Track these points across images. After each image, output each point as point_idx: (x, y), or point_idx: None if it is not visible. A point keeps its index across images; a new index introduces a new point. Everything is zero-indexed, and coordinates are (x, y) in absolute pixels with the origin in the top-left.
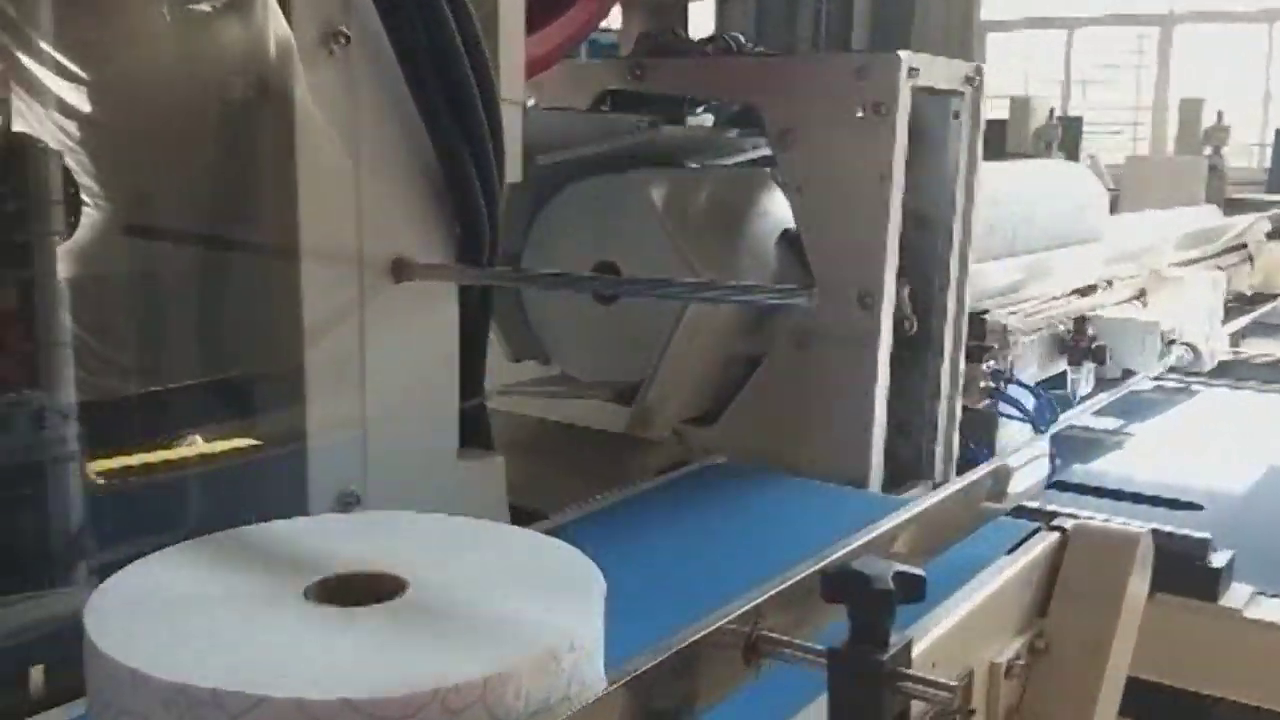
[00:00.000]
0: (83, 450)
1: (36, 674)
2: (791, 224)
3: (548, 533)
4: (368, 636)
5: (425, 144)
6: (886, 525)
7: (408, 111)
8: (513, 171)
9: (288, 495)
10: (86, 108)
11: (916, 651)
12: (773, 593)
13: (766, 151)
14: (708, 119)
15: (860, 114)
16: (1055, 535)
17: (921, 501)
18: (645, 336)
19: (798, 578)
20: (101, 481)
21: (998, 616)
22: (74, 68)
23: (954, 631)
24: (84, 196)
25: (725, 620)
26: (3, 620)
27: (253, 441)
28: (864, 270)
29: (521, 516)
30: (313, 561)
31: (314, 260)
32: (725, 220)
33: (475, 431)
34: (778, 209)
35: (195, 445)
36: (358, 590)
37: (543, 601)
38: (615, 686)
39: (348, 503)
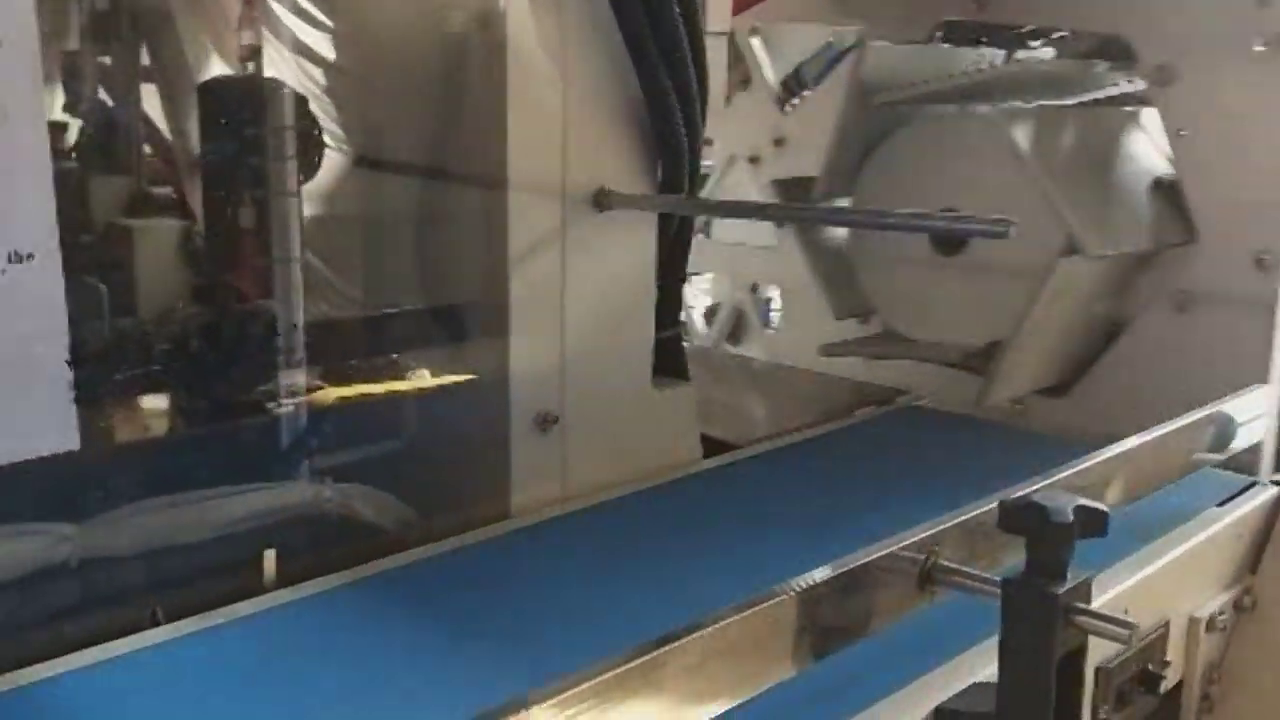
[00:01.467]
0: (308, 360)
1: (269, 557)
2: (1166, 171)
3: (738, 462)
4: None
5: (630, 77)
6: (1084, 465)
7: (615, 45)
8: (716, 102)
9: (491, 415)
10: (327, 53)
11: (1107, 596)
12: (952, 524)
13: (1126, 88)
14: (1047, 53)
15: (1259, 47)
16: (1274, 491)
17: (1126, 443)
18: (994, 295)
19: (979, 511)
20: (322, 392)
21: (1201, 569)
22: (316, 15)
23: (1151, 579)
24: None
25: (901, 546)
26: (237, 507)
27: (458, 363)
28: (1261, 227)
29: (713, 446)
30: None
31: (520, 191)
32: (1094, 164)
33: (670, 361)
34: (1149, 154)
35: (405, 365)
36: None
37: None
38: (785, 596)
39: (545, 423)
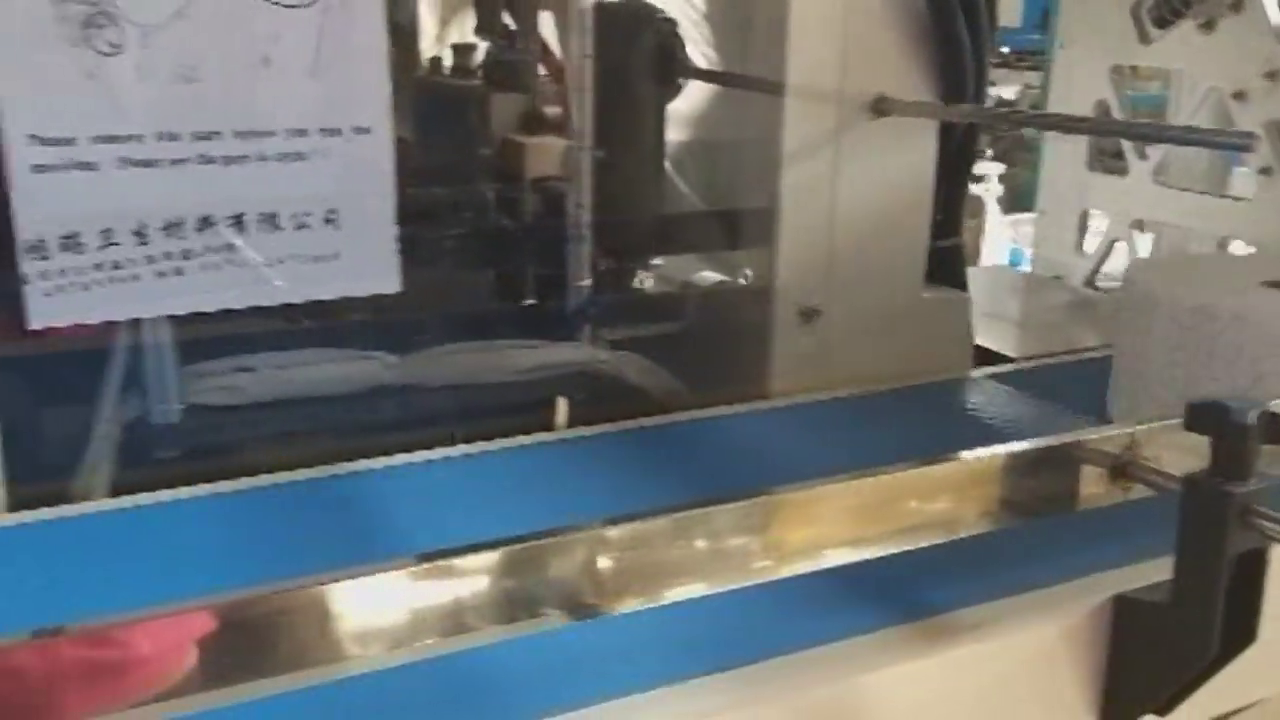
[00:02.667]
0: (593, 238)
1: (560, 406)
2: None
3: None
4: None
5: None
6: None
7: None
8: (1007, 14)
9: (756, 304)
10: None
11: None
12: (1151, 425)
13: None
14: None
15: None
16: None
17: None
18: None
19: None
20: (604, 269)
21: None
22: None
23: None
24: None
25: (1098, 436)
26: (528, 357)
27: (730, 256)
28: None
29: (986, 357)
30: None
31: (797, 95)
32: None
33: (948, 270)
34: None
35: (682, 255)
36: None
37: None
38: (989, 458)
39: (808, 316)
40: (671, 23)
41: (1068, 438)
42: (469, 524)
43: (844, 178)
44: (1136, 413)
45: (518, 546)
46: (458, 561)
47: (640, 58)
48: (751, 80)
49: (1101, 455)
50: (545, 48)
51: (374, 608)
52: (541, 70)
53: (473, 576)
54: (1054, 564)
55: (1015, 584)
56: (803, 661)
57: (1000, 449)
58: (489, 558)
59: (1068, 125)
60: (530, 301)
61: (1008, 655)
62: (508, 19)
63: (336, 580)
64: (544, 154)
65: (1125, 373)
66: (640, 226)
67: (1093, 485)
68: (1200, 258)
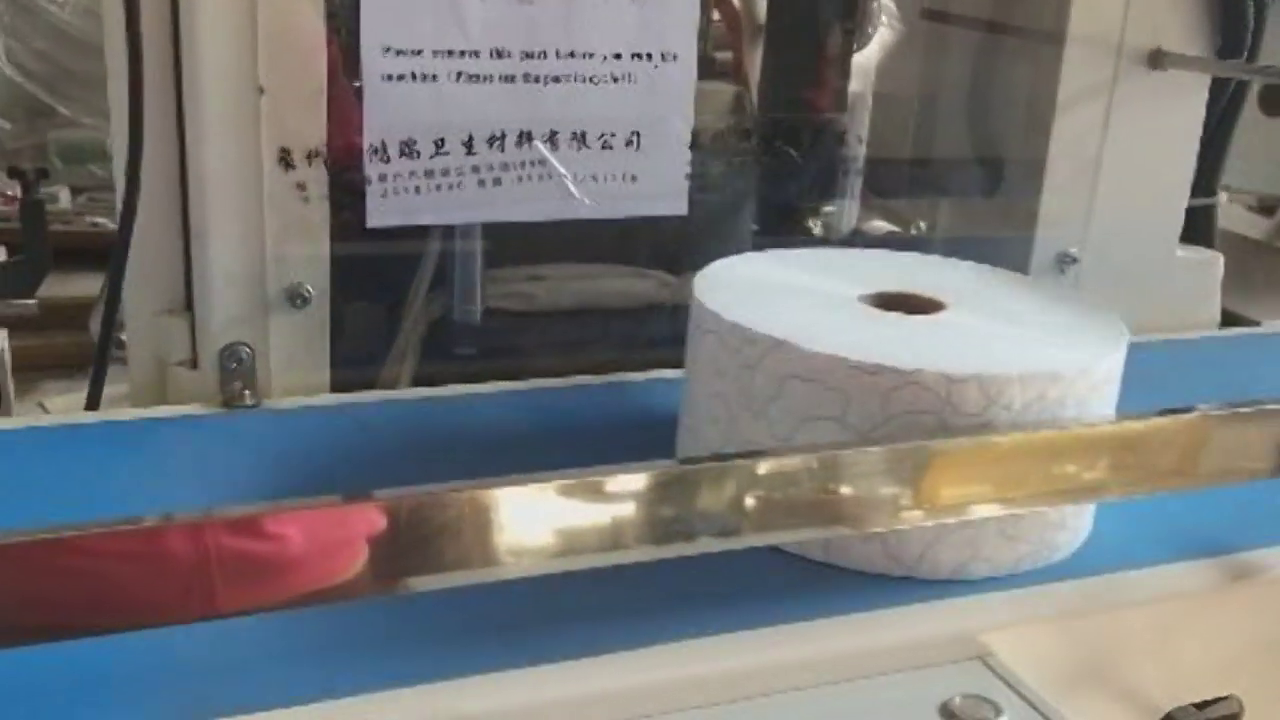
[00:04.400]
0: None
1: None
2: None
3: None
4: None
5: None
6: None
7: None
8: None
9: (1015, 248)
10: None
11: None
12: None
13: None
14: None
15: None
16: None
17: None
18: None
19: None
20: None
21: None
22: None
23: None
24: None
25: None
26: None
27: (990, 202)
28: None
29: (1232, 320)
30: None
31: (1076, 45)
32: None
33: (1200, 229)
34: None
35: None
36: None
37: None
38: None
39: (1064, 263)
40: None
41: None
42: None
43: (1114, 130)
44: None
45: (672, 471)
46: (613, 480)
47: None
48: (1029, 30)
49: None
50: None
51: (529, 519)
52: None
53: (625, 498)
54: None
55: None
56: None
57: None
58: (640, 479)
59: None
60: (798, 232)
61: None
62: None
63: (495, 487)
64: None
65: None
66: (907, 168)
67: None
68: None
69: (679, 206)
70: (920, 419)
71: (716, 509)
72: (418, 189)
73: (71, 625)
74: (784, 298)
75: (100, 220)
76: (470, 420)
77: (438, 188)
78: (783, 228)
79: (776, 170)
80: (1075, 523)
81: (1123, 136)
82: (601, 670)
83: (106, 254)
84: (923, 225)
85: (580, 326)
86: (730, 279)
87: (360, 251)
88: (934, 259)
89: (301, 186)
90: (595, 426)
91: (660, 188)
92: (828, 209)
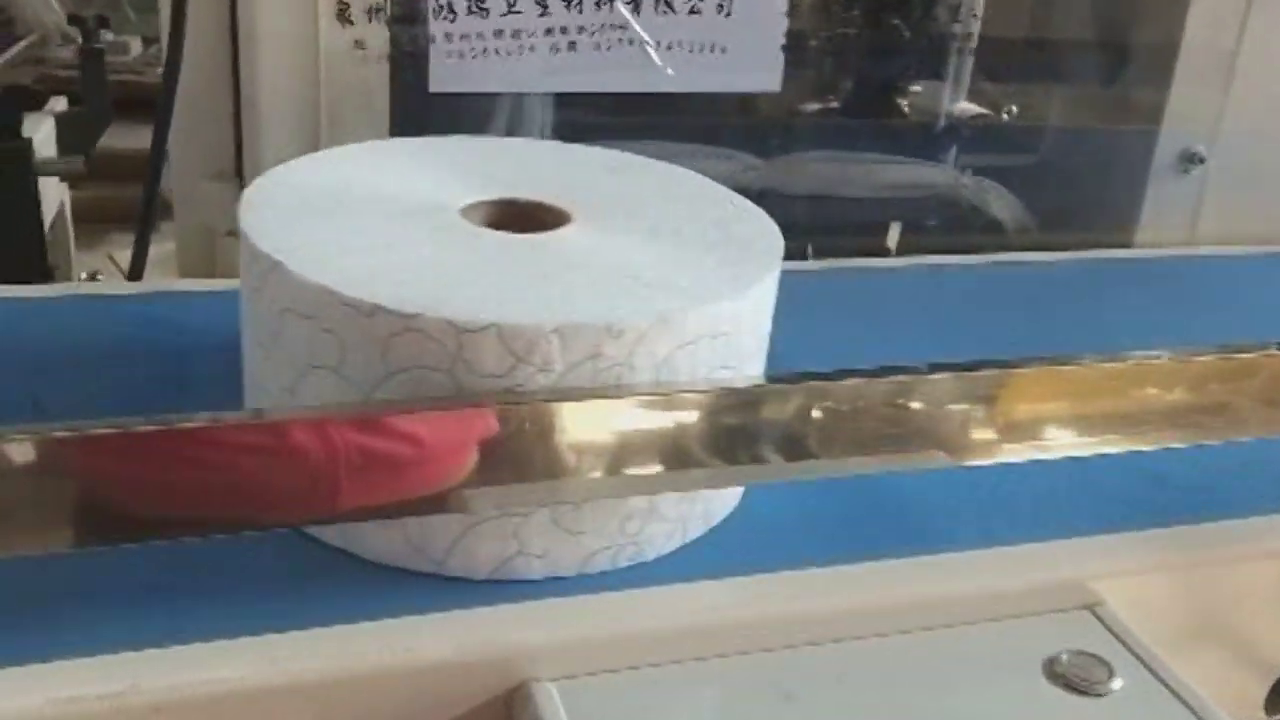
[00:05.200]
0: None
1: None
2: None
3: None
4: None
5: None
6: None
7: None
8: None
9: (1135, 146)
10: None
11: None
12: None
13: None
14: None
15: None
16: None
17: None
18: None
19: None
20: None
21: None
22: None
23: None
24: None
25: None
26: (891, 174)
27: (1114, 95)
28: None
29: None
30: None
31: None
32: None
33: None
34: None
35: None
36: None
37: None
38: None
39: (1189, 162)
40: None
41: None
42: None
43: (1255, 17)
44: None
45: (740, 388)
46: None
47: None
48: None
49: None
50: None
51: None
52: None
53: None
54: None
55: None
56: None
57: None
58: (707, 397)
59: None
60: (900, 117)
61: None
62: None
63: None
64: None
65: None
66: (1022, 50)
67: None
68: None
69: (772, 82)
70: (431, 375)
71: None
72: (485, 51)
73: (202, 522)
74: (359, 205)
75: None
76: None
77: (507, 51)
78: (869, 109)
79: (879, 45)
80: None
81: (1266, 25)
82: None
83: None
84: (1014, 109)
85: None
86: (306, 179)
87: (421, 120)
88: (603, 154)
89: (360, 44)
90: None
91: (752, 60)
92: (915, 89)
